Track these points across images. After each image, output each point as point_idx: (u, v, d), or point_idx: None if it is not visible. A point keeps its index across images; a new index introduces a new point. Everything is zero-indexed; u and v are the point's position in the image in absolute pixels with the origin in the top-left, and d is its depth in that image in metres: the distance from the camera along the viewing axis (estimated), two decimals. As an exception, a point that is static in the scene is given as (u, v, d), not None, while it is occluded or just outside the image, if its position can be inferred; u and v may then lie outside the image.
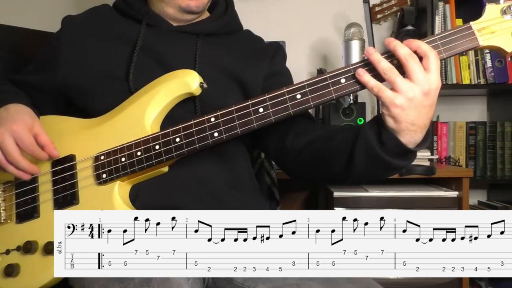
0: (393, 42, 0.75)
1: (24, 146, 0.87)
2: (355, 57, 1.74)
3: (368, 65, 0.78)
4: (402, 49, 0.74)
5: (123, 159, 0.87)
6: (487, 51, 1.85)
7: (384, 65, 0.75)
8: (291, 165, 0.97)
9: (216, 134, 0.84)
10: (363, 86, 0.78)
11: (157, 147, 0.86)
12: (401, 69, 0.75)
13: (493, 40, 0.78)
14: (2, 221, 0.92)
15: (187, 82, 0.89)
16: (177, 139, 0.85)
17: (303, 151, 0.92)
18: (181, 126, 0.86)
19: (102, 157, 0.89)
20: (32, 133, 0.88)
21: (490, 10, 0.78)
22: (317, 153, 0.89)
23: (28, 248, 0.86)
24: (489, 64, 1.88)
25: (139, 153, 0.86)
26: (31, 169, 0.88)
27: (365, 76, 0.77)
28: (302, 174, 0.98)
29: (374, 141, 0.78)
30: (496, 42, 0.78)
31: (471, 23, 0.78)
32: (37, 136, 0.88)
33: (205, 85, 0.89)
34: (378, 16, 2.06)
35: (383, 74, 0.75)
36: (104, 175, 0.88)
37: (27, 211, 0.91)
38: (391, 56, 0.77)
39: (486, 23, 0.78)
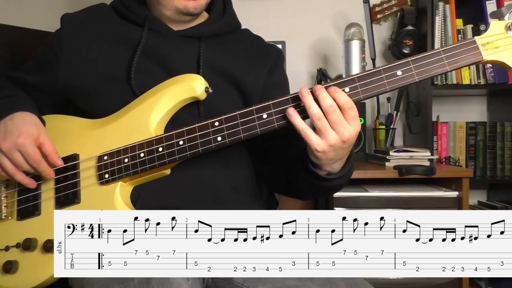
0: (318, 91, 0.79)
1: (30, 160, 0.87)
2: (355, 57, 1.74)
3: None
4: (324, 100, 0.78)
5: (126, 160, 0.87)
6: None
7: (314, 111, 0.79)
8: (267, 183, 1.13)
9: (219, 139, 0.84)
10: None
11: (160, 149, 0.86)
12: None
13: (497, 55, 0.79)
14: (3, 217, 0.92)
15: (193, 86, 0.89)
16: (181, 142, 0.86)
17: (272, 176, 1.08)
18: (184, 129, 0.86)
19: (106, 157, 0.89)
20: (37, 143, 0.88)
21: (495, 26, 0.80)
22: (279, 177, 1.04)
23: (27, 245, 0.86)
24: (489, 64, 1.87)
25: (142, 155, 0.87)
26: (49, 171, 0.90)
27: (294, 116, 0.81)
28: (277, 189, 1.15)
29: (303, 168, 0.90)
30: (499, 57, 0.79)
31: (476, 37, 0.80)
32: (41, 146, 0.89)
33: (210, 90, 0.90)
34: (378, 16, 2.06)
35: (311, 119, 0.79)
36: (106, 175, 0.88)
37: (28, 208, 0.91)
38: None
39: (490, 38, 0.80)
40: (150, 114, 0.89)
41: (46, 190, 0.91)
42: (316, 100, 0.79)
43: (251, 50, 1.08)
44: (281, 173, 1.01)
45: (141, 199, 0.89)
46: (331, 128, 0.79)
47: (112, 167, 0.88)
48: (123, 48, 0.99)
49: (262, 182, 1.14)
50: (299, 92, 0.81)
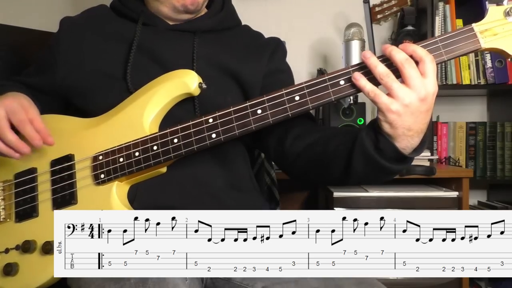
0: (389, 48, 0.74)
1: (16, 120, 0.86)
2: (355, 57, 1.74)
3: (365, 68, 0.77)
4: (398, 54, 0.73)
5: (121, 160, 0.87)
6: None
7: (380, 70, 0.73)
8: (290, 168, 0.97)
9: (214, 136, 0.84)
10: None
11: (155, 147, 0.86)
12: (398, 73, 0.74)
13: (495, 43, 0.76)
14: (1, 220, 0.92)
15: (186, 82, 0.89)
16: (175, 140, 0.85)
17: (302, 155, 0.91)
18: (179, 127, 0.86)
19: (101, 157, 0.89)
20: (27, 116, 0.87)
21: (493, 11, 0.76)
22: (315, 158, 0.89)
23: (26, 247, 0.86)
24: (489, 64, 1.88)
25: (137, 154, 0.86)
26: (20, 146, 0.86)
27: (361, 80, 0.75)
28: (301, 176, 0.98)
29: (371, 148, 0.78)
30: (498, 44, 0.76)
31: (473, 24, 0.77)
32: (32, 121, 0.88)
33: (204, 86, 0.89)
34: (378, 16, 2.06)
35: (379, 79, 0.74)
36: (102, 175, 0.88)
37: (26, 210, 0.91)
38: (387, 59, 0.75)
39: (488, 25, 0.76)
40: (144, 112, 0.89)
41: (43, 191, 0.91)
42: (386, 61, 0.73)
43: (249, 44, 1.07)
44: (327, 158, 0.88)
45: (138, 198, 0.89)
46: (404, 85, 0.71)
47: (107, 167, 0.88)
48: (117, 44, 1.00)
49: (261, 179, 1.13)
50: (362, 55, 0.75)
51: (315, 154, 0.89)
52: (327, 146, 0.86)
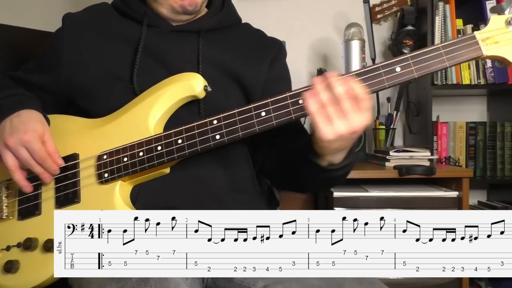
0: (329, 79, 0.75)
1: (35, 156, 0.87)
2: (355, 57, 1.74)
3: None
4: (337, 88, 0.75)
5: (125, 159, 0.87)
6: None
7: (322, 98, 0.75)
8: (272, 180, 1.10)
9: (218, 137, 0.84)
10: None
11: (159, 148, 0.86)
12: None
13: (497, 50, 0.79)
14: (4, 217, 0.93)
15: (192, 85, 0.90)
16: (179, 141, 0.86)
17: (275, 171, 1.02)
18: (183, 128, 0.86)
19: (105, 157, 0.89)
20: (42, 140, 0.88)
21: (495, 20, 0.79)
22: (283, 174, 1.01)
23: (28, 244, 0.87)
24: (489, 64, 1.88)
25: (141, 154, 0.87)
26: (47, 174, 0.90)
27: (308, 100, 0.78)
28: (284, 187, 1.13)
29: (309, 161, 0.86)
30: (500, 52, 0.79)
31: (475, 32, 0.79)
32: (44, 144, 0.89)
33: (209, 89, 0.90)
34: (378, 16, 2.06)
35: (320, 106, 0.76)
36: (106, 175, 0.88)
37: (28, 208, 0.91)
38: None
39: (490, 33, 0.79)
40: (149, 113, 0.90)
41: (46, 189, 0.92)
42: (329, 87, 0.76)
43: (252, 44, 1.08)
44: (284, 168, 0.99)
45: (140, 198, 0.89)
46: (340, 117, 0.75)
47: (111, 166, 0.88)
48: (123, 46, 0.99)
49: (262, 180, 1.14)
50: (312, 80, 0.78)
51: (282, 172, 1.00)
52: (289, 162, 0.96)
